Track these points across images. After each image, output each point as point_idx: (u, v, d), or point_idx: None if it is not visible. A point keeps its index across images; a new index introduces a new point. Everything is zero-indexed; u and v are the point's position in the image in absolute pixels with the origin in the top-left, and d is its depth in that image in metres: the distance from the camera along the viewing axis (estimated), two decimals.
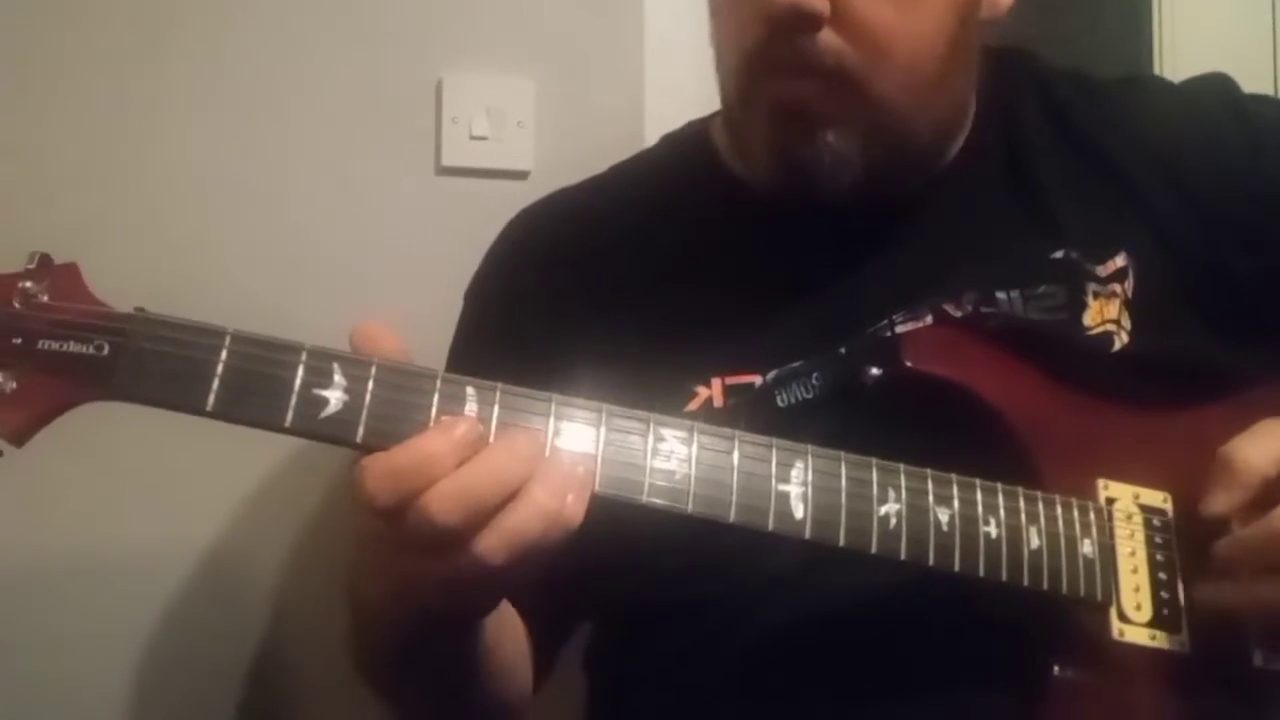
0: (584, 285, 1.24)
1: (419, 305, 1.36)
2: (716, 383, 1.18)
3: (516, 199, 1.40)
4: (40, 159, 1.50)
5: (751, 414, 1.15)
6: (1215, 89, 1.30)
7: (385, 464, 0.85)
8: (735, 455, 0.95)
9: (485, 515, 0.86)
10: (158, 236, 1.51)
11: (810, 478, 0.96)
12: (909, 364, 1.09)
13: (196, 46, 1.56)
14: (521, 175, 1.64)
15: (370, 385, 0.87)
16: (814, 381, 1.17)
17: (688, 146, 1.34)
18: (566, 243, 1.28)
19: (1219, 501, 1.05)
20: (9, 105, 1.49)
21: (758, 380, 1.18)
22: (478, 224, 1.38)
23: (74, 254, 0.90)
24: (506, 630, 1.12)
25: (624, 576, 1.18)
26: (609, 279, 1.24)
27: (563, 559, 0.92)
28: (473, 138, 1.62)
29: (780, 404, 1.17)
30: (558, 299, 1.24)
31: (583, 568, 1.11)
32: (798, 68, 1.11)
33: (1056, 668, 1.04)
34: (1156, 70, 1.93)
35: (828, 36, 1.10)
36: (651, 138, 1.45)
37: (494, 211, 1.38)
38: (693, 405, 1.17)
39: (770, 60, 1.13)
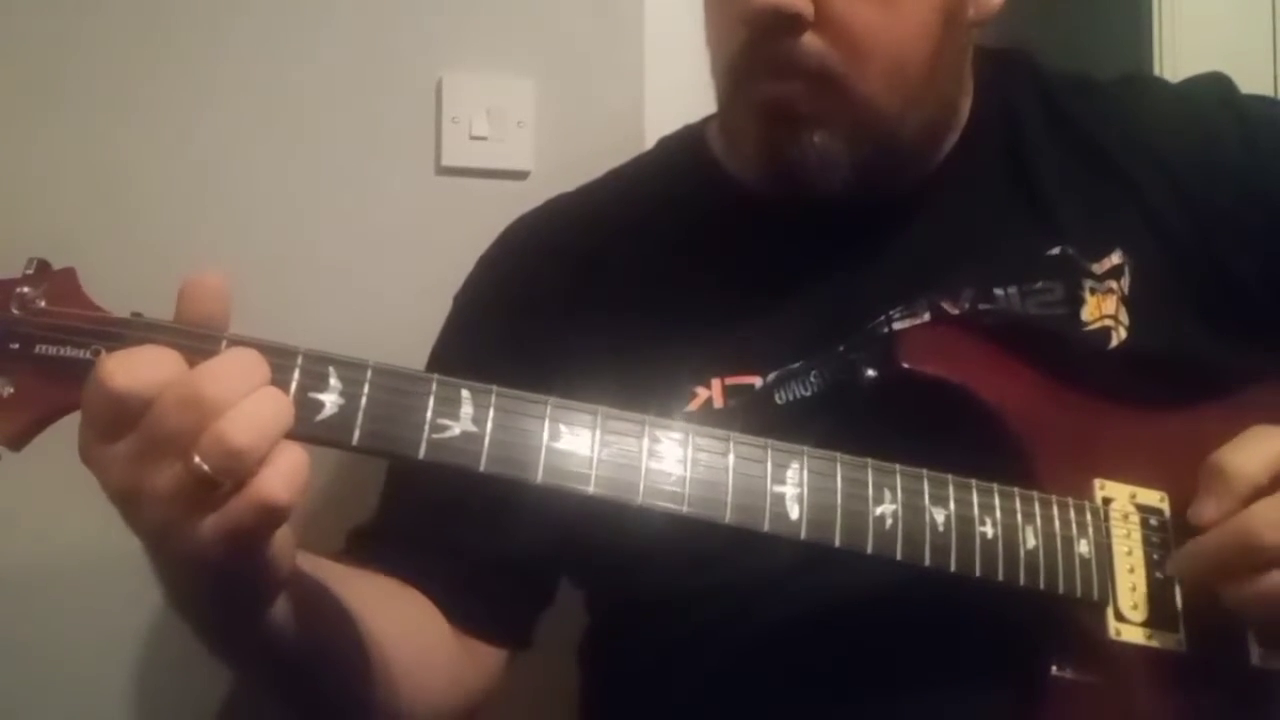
0: (580, 287, 1.24)
1: (419, 305, 1.36)
2: (716, 383, 1.18)
3: (516, 199, 1.40)
4: (37, 163, 1.50)
5: (750, 412, 1.15)
6: (1213, 88, 1.30)
7: (124, 355, 0.82)
8: (730, 457, 0.95)
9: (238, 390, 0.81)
10: (155, 240, 1.51)
11: (805, 479, 0.96)
12: (904, 364, 1.09)
13: (195, 47, 1.56)
14: (521, 175, 1.64)
15: (366, 388, 0.87)
16: (812, 379, 1.17)
17: (684, 148, 1.34)
18: (562, 245, 1.28)
19: (1209, 510, 1.05)
20: (6, 110, 1.49)
21: (758, 381, 1.18)
22: (478, 224, 1.37)
23: (71, 259, 0.90)
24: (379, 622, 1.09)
25: (618, 570, 1.18)
26: (606, 280, 1.24)
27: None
28: (473, 138, 1.63)
29: (779, 401, 1.17)
30: (554, 300, 1.24)
31: (549, 532, 1.14)
32: (781, 69, 1.12)
33: (1054, 667, 1.04)
34: (1156, 70, 1.93)
35: (810, 38, 1.10)
36: (652, 137, 1.45)
37: (494, 211, 1.38)
38: (692, 406, 1.18)
39: (754, 62, 1.13)
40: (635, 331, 1.20)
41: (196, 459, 0.79)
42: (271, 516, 0.82)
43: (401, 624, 1.13)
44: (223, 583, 0.88)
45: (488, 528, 1.15)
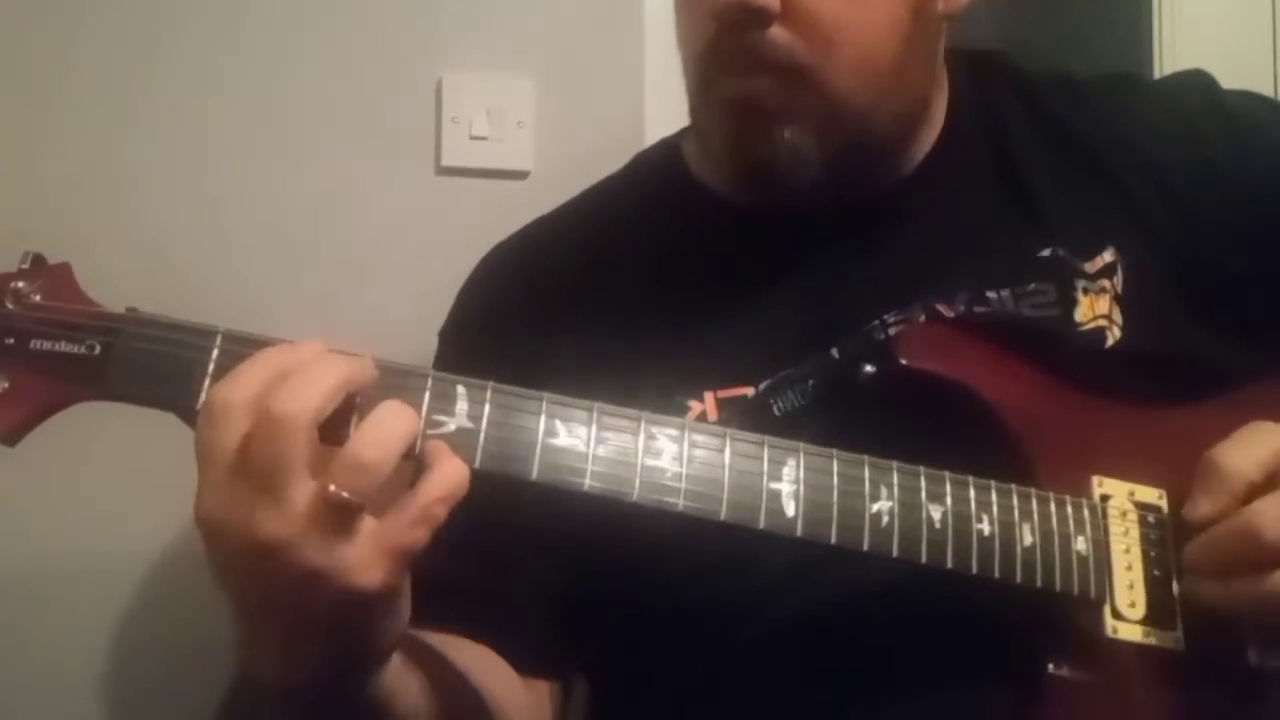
0: (564, 307, 1.23)
1: (419, 305, 1.36)
2: (709, 396, 1.17)
3: (516, 199, 1.40)
4: (33, 158, 1.51)
5: (745, 425, 1.14)
6: (1196, 85, 1.29)
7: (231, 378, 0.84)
8: (727, 453, 0.95)
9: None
10: (152, 236, 1.52)
11: (802, 475, 0.96)
12: (903, 361, 1.09)
13: (195, 46, 1.57)
14: (521, 175, 1.65)
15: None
16: (809, 386, 1.16)
17: (659, 162, 1.33)
18: (542, 267, 1.27)
19: (1203, 507, 1.04)
20: (6, 110, 1.50)
21: (750, 391, 1.17)
22: (478, 224, 1.38)
23: (67, 254, 0.90)
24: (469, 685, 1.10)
25: (623, 582, 1.17)
26: (589, 299, 1.23)
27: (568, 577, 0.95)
28: (473, 138, 1.63)
29: (776, 412, 1.16)
30: (539, 323, 1.23)
31: (587, 582, 1.15)
32: (749, 64, 1.11)
33: (1051, 665, 1.03)
34: (1156, 70, 1.93)
35: (778, 32, 1.09)
36: (651, 137, 1.45)
37: (494, 211, 1.39)
38: None
39: (722, 57, 1.13)
40: (623, 349, 1.19)
41: (331, 486, 0.81)
42: (432, 527, 0.85)
43: (493, 675, 1.15)
44: (356, 629, 0.89)
45: (505, 566, 1.16)
